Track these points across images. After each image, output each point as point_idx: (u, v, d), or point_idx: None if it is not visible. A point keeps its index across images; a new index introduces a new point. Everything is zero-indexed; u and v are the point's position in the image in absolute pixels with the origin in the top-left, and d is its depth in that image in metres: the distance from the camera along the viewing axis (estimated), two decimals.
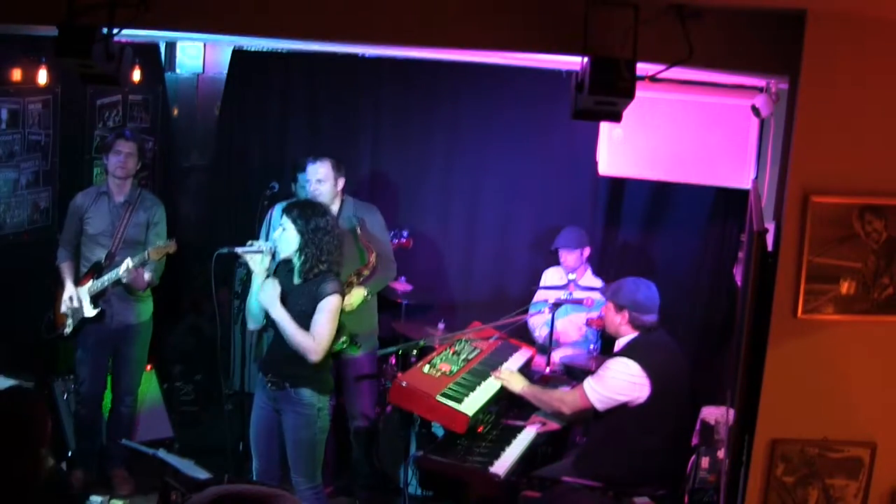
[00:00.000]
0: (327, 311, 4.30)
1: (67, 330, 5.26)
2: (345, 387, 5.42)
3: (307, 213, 4.41)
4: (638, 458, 4.32)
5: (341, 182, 5.31)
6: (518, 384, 4.81)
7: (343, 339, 4.88)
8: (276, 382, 4.44)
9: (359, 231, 5.20)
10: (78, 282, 5.24)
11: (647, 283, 4.52)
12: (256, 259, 4.46)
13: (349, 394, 5.42)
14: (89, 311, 5.20)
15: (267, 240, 4.91)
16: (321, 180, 5.23)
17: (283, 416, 4.46)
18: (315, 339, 4.30)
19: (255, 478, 4.62)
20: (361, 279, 5.16)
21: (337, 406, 5.52)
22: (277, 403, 4.47)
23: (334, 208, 5.28)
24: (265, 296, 4.37)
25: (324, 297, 4.29)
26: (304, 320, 4.33)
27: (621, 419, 4.34)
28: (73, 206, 5.31)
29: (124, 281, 5.14)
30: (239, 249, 4.48)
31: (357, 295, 5.14)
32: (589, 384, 4.39)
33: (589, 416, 4.57)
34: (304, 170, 5.72)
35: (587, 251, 5.80)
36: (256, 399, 4.60)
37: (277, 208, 5.94)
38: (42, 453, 3.21)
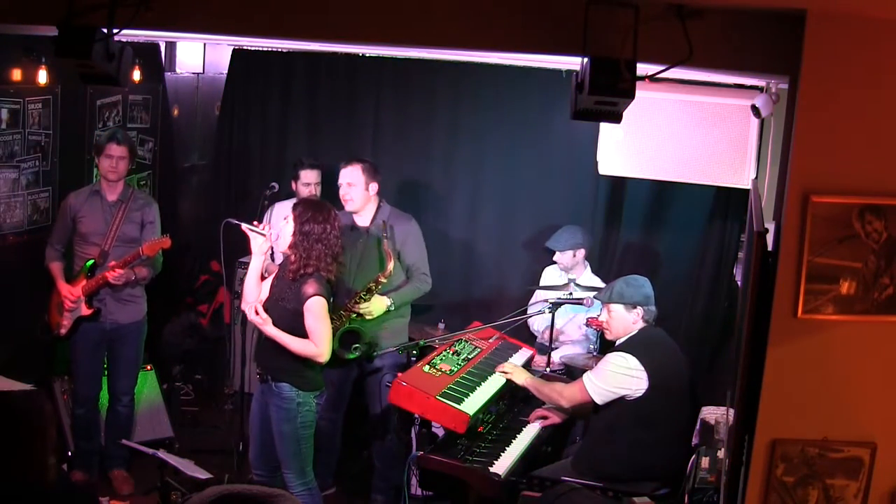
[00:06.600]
0: (310, 313, 4.36)
1: (63, 330, 5.25)
2: (367, 391, 5.41)
3: (305, 214, 4.45)
4: (637, 454, 4.34)
5: (374, 187, 5.22)
6: (521, 377, 4.88)
7: (356, 346, 4.90)
8: (261, 375, 4.57)
9: (385, 239, 5.12)
10: (71, 281, 5.24)
11: (642, 277, 4.60)
12: (258, 240, 4.59)
13: (370, 398, 5.41)
14: (84, 310, 5.20)
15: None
16: (352, 184, 5.18)
17: (269, 409, 4.53)
18: (315, 343, 4.37)
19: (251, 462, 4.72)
20: (380, 287, 5.09)
21: (355, 409, 5.54)
22: (264, 395, 4.57)
23: (368, 214, 5.26)
24: (256, 318, 4.41)
25: (305, 300, 4.35)
26: (292, 318, 4.38)
27: (620, 414, 4.38)
28: (65, 207, 5.31)
29: (121, 282, 5.14)
30: (245, 225, 4.63)
31: (378, 304, 5.11)
32: (588, 378, 4.45)
33: (589, 412, 4.59)
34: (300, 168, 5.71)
35: (581, 252, 5.77)
36: (256, 388, 4.73)
37: (278, 207, 5.95)
38: (48, 460, 3.10)
